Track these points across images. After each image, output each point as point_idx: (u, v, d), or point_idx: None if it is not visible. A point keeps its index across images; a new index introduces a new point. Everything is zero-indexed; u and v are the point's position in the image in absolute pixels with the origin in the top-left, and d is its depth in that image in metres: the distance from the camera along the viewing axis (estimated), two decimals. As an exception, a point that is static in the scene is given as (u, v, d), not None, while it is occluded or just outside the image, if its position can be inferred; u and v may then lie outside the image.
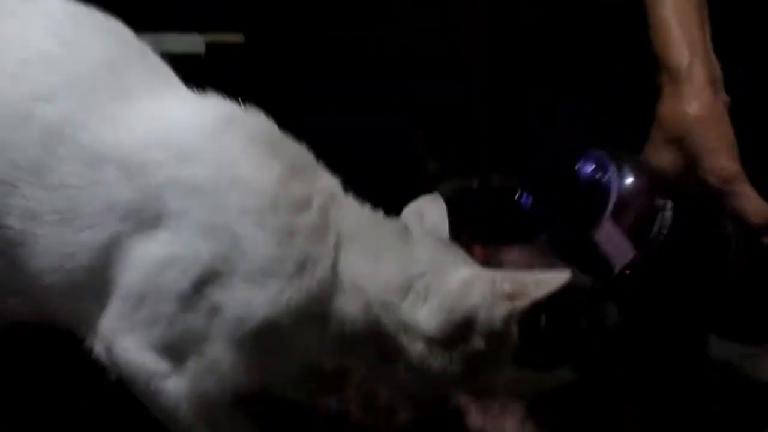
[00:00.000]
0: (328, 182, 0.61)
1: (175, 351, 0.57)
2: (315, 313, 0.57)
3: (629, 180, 0.73)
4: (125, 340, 0.57)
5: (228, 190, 0.55)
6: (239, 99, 0.61)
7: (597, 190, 0.73)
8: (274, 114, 0.63)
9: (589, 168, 0.75)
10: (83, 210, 0.56)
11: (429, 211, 0.69)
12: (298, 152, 0.61)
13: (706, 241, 0.75)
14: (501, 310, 0.57)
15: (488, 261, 1.24)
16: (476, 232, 1.22)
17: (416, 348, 0.58)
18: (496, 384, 0.64)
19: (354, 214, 0.61)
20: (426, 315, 0.57)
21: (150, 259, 0.55)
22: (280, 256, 0.54)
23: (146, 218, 0.55)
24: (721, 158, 0.71)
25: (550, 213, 0.77)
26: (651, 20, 0.80)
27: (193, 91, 0.63)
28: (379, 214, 0.63)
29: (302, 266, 0.55)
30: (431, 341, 0.58)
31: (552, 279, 0.58)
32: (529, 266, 1.20)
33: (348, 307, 0.57)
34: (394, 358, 0.59)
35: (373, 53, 1.48)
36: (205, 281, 0.54)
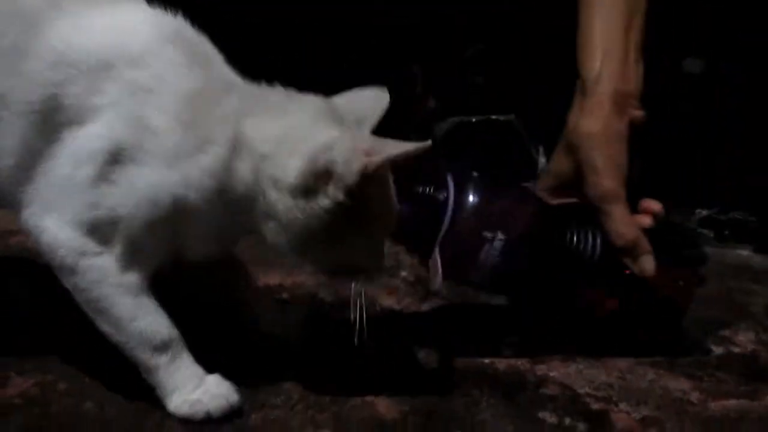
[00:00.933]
0: (235, 80, 0.69)
1: (102, 232, 0.63)
2: (219, 184, 0.64)
3: (466, 206, 0.74)
4: (50, 220, 0.63)
5: (156, 91, 0.63)
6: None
7: (435, 211, 0.75)
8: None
9: (429, 188, 0.76)
10: (36, 99, 0.62)
11: (363, 96, 0.71)
12: (222, 67, 0.69)
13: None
14: (357, 164, 0.61)
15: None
16: (475, 167, 1.21)
17: (282, 201, 0.64)
18: (356, 255, 0.68)
19: (251, 92, 0.68)
20: (291, 165, 0.63)
21: (77, 147, 0.62)
22: (184, 142, 0.63)
23: (84, 112, 0.62)
24: (602, 177, 0.74)
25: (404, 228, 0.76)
26: (578, 24, 0.79)
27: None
28: (276, 88, 0.69)
29: (201, 147, 0.63)
30: (293, 190, 0.63)
31: (411, 144, 0.61)
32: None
33: (242, 171, 0.64)
34: (271, 215, 0.65)
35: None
36: (120, 161, 0.62)
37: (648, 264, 0.74)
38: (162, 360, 0.65)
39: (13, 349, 0.75)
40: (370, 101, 0.70)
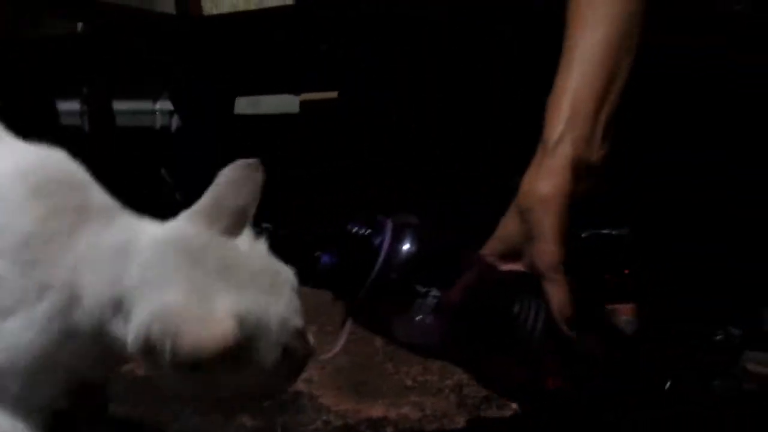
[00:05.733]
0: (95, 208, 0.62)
1: None
2: (64, 329, 0.58)
3: (400, 254, 0.68)
4: None
5: None
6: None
7: (367, 256, 0.68)
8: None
9: (363, 229, 0.69)
10: None
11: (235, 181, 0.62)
12: (77, 192, 0.62)
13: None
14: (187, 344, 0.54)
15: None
16: (588, 286, 1.14)
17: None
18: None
19: (99, 232, 0.60)
20: (129, 336, 0.57)
21: None
22: (23, 286, 0.57)
23: None
24: (552, 244, 0.69)
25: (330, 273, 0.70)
26: (554, 81, 0.75)
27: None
28: (132, 223, 0.62)
29: (41, 293, 0.57)
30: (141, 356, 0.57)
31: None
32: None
33: (84, 321, 0.58)
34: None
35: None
36: None
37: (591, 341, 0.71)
38: None
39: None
40: (245, 184, 0.62)
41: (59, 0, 1.86)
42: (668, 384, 0.90)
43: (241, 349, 0.56)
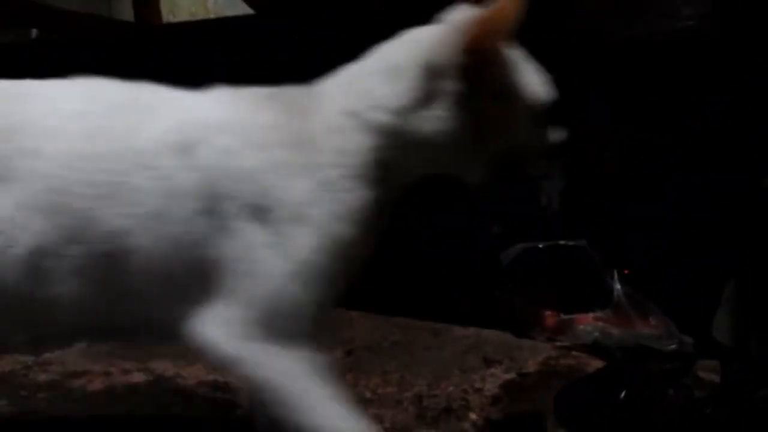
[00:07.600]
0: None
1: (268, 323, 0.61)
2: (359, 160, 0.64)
3: None
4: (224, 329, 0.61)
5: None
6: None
7: None
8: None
9: None
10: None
11: None
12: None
13: None
14: (451, 46, 0.61)
15: (561, 329, 1.17)
16: (546, 296, 1.16)
17: (416, 123, 0.63)
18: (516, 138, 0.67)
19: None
20: (390, 92, 0.63)
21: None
22: (290, 159, 0.63)
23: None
24: None
25: None
26: None
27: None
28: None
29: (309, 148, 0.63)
30: (410, 108, 0.62)
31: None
32: (606, 332, 1.12)
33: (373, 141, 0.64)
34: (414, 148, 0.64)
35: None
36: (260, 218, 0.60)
37: None
38: None
39: None
40: None
41: (12, 5, 1.81)
42: (623, 393, 0.91)
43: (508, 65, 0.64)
